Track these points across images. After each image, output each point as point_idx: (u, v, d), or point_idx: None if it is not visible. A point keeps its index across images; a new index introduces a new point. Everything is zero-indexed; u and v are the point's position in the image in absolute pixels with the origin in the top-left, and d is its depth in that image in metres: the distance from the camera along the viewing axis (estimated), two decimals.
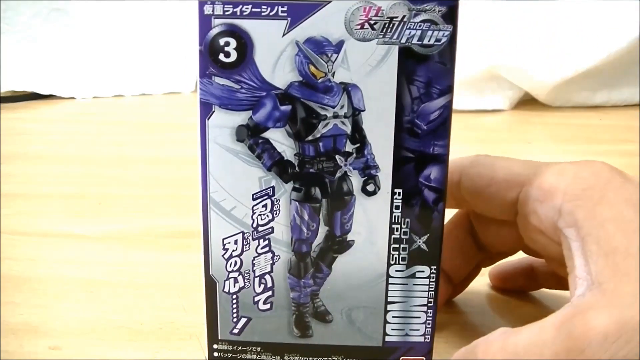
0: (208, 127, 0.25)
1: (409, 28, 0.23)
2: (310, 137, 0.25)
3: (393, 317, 0.27)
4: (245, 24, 0.23)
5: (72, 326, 0.33)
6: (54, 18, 0.79)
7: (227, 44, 0.24)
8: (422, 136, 0.25)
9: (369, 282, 0.26)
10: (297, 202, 0.25)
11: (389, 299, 0.26)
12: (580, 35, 0.74)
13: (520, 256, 0.33)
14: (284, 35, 0.23)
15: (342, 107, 0.24)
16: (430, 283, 0.26)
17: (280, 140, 0.25)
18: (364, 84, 0.24)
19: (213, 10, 0.23)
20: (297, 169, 0.25)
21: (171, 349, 0.31)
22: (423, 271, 0.26)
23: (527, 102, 0.78)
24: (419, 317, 0.27)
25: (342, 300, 0.27)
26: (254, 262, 0.26)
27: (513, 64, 0.74)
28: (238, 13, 0.23)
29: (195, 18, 0.23)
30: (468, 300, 0.35)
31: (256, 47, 0.24)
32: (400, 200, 0.25)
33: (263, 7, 0.23)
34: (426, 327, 0.27)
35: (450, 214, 0.32)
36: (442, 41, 0.24)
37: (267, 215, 0.25)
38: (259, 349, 0.27)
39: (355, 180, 0.25)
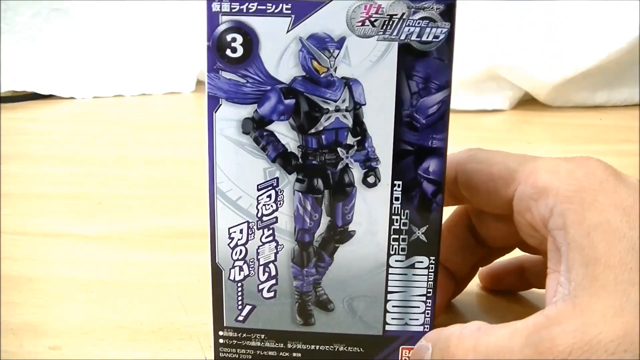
0: (215, 120, 0.25)
1: (408, 25, 0.24)
2: (313, 130, 0.26)
3: (393, 306, 0.27)
4: (251, 21, 0.24)
5: (72, 326, 0.33)
6: (54, 18, 0.79)
7: (234, 39, 0.24)
8: (421, 130, 0.25)
9: (369, 272, 0.27)
10: (300, 193, 0.26)
11: (389, 289, 0.27)
12: (580, 35, 0.74)
13: (510, 256, 0.34)
14: (288, 31, 0.24)
15: (343, 101, 0.25)
16: (429, 273, 0.27)
17: (284, 132, 0.25)
18: (365, 79, 0.25)
19: (220, 8, 0.24)
20: (300, 160, 0.26)
21: (171, 349, 0.31)
22: (422, 262, 0.27)
23: (527, 102, 0.78)
24: (419, 307, 0.27)
25: (343, 289, 0.27)
26: (259, 251, 0.27)
27: (513, 64, 0.75)
28: (244, 10, 0.24)
29: (204, 15, 0.24)
30: (468, 300, 0.36)
31: (261, 43, 0.24)
32: (400, 192, 0.26)
33: (268, 4, 0.24)
34: (425, 317, 0.28)
35: (448, 210, 0.32)
36: (440, 38, 0.24)
37: (272, 206, 0.26)
38: (262, 336, 0.28)
39: (357, 172, 0.26)
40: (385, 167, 0.26)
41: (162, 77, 0.81)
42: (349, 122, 0.25)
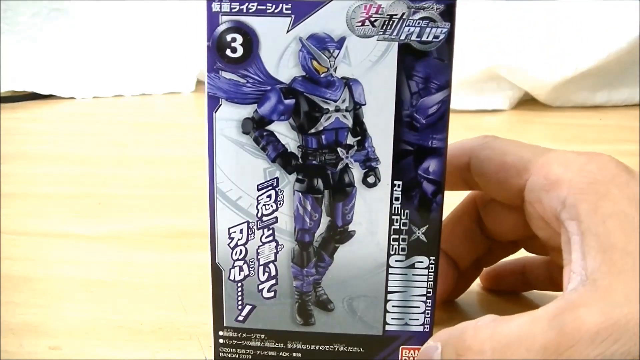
0: (215, 120, 0.25)
1: (408, 25, 0.24)
2: (313, 130, 0.26)
3: (393, 306, 0.27)
4: (251, 21, 0.24)
5: (72, 326, 0.33)
6: (54, 18, 0.79)
7: (234, 39, 0.24)
8: (421, 130, 0.25)
9: (369, 272, 0.27)
10: (300, 193, 0.26)
11: (389, 289, 0.27)
12: (580, 35, 0.74)
13: (514, 257, 0.34)
14: (288, 31, 0.24)
15: (343, 101, 0.25)
16: (430, 273, 0.27)
17: (284, 132, 0.25)
18: (365, 79, 0.25)
19: (220, 8, 0.24)
20: (300, 160, 0.26)
21: (171, 349, 0.31)
22: (422, 262, 0.27)
23: (527, 102, 0.78)
24: (419, 307, 0.27)
25: (343, 289, 0.27)
26: (259, 251, 0.27)
27: (513, 64, 0.75)
28: (244, 10, 0.24)
29: (204, 15, 0.24)
30: (469, 299, 0.36)
31: (261, 43, 0.24)
32: (400, 192, 0.26)
33: (268, 4, 0.24)
34: (425, 317, 0.28)
35: (454, 201, 0.32)
36: (440, 38, 0.24)
37: (272, 206, 0.26)
38: (262, 336, 0.28)
39: (356, 172, 0.26)
40: (385, 167, 0.26)
41: (162, 77, 0.81)
42: (349, 122, 0.25)
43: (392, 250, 0.27)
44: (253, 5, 0.24)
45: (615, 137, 0.68)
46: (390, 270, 0.27)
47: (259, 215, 0.26)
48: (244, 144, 0.26)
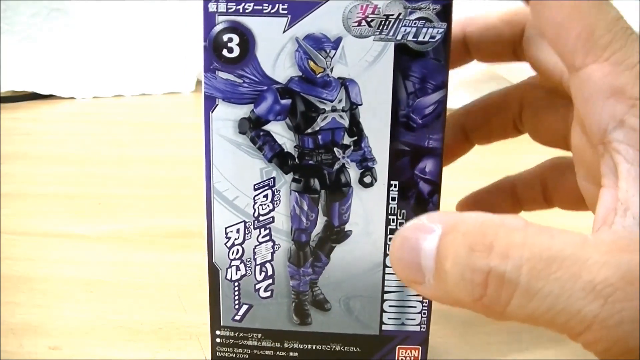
0: (212, 120, 0.25)
1: (405, 25, 0.24)
2: (309, 130, 0.26)
3: (390, 306, 0.28)
4: (248, 21, 0.24)
5: (72, 326, 0.33)
6: (54, 18, 0.79)
7: (230, 40, 0.24)
8: (417, 130, 0.25)
9: (366, 272, 0.27)
10: (296, 193, 0.26)
11: (386, 289, 0.27)
12: None
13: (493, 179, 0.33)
14: (284, 31, 0.24)
15: (340, 101, 0.25)
16: None
17: (281, 132, 0.26)
18: (361, 79, 0.25)
19: (217, 8, 0.24)
20: (296, 160, 0.26)
21: (171, 349, 0.31)
22: None
23: None
24: (415, 307, 0.28)
25: (340, 289, 0.27)
26: (255, 250, 0.27)
27: (513, 64, 0.75)
28: (241, 10, 0.24)
29: (200, 15, 0.24)
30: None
31: (258, 43, 0.24)
32: (396, 192, 0.26)
33: (264, 4, 0.24)
34: (422, 317, 0.28)
35: (454, 201, 0.31)
36: (437, 38, 0.24)
37: (268, 205, 0.26)
38: (259, 335, 0.28)
39: (353, 172, 0.26)
40: (381, 167, 0.26)
41: (162, 77, 0.81)
42: (346, 122, 0.26)
43: (389, 250, 0.27)
44: (249, 6, 0.24)
45: None
46: (387, 270, 0.27)
47: (256, 215, 0.26)
48: (241, 143, 0.26)
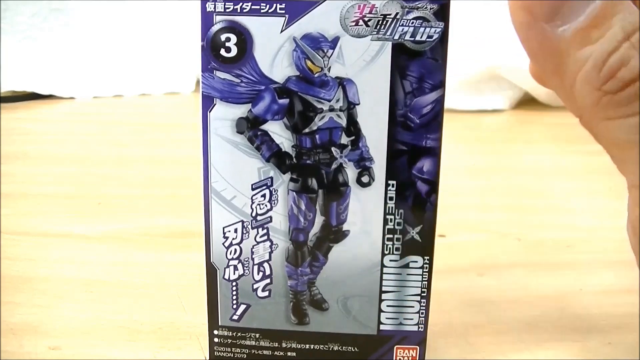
0: (209, 120, 0.25)
1: (402, 25, 0.24)
2: (307, 130, 0.26)
3: (387, 306, 0.28)
4: (245, 21, 0.24)
5: (72, 326, 0.33)
6: (54, 18, 0.79)
7: (228, 39, 0.24)
8: (415, 129, 0.25)
9: (364, 271, 0.27)
10: (294, 193, 0.26)
11: (384, 288, 0.27)
12: None
13: None
14: (282, 31, 0.24)
15: (337, 100, 0.25)
16: (424, 273, 0.27)
17: (279, 132, 0.26)
18: (359, 78, 0.25)
19: (215, 8, 0.24)
20: (294, 160, 0.26)
21: (171, 349, 0.31)
22: (416, 261, 0.27)
23: (527, 102, 0.78)
24: (413, 307, 0.28)
25: (338, 288, 0.27)
26: (253, 250, 0.27)
27: (513, 64, 0.74)
28: (238, 10, 0.24)
29: (198, 15, 0.24)
30: (465, 298, 0.36)
31: (255, 42, 0.24)
32: (394, 192, 0.26)
33: (262, 4, 0.24)
34: (420, 317, 0.28)
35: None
36: (434, 38, 0.24)
37: (266, 205, 0.26)
38: (257, 335, 0.28)
39: (351, 172, 0.26)
40: (379, 167, 0.26)
41: (162, 77, 0.81)
42: (343, 121, 0.26)
43: (387, 250, 0.27)
44: (247, 5, 0.24)
45: None
46: (385, 270, 0.27)
47: (254, 214, 0.26)
48: (238, 143, 0.26)
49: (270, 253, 0.27)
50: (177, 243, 0.42)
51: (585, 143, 0.64)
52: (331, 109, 0.25)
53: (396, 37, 0.24)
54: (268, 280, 0.27)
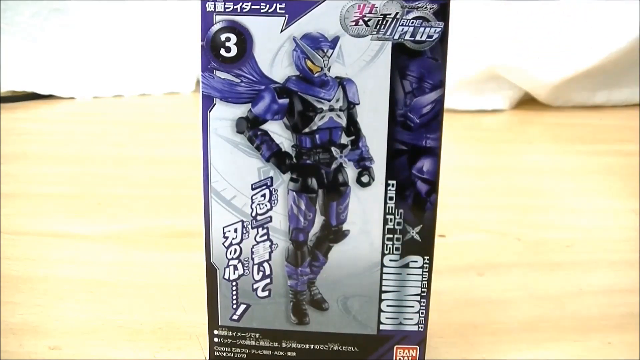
0: (209, 119, 0.25)
1: (402, 25, 0.24)
2: (307, 130, 0.26)
3: (387, 305, 0.28)
4: (245, 21, 0.24)
5: (72, 326, 0.33)
6: (54, 18, 0.79)
7: (228, 39, 0.24)
8: (415, 129, 0.25)
9: (364, 271, 0.27)
10: (294, 193, 0.26)
11: (384, 288, 0.27)
12: (580, 35, 0.74)
13: None
14: (282, 31, 0.24)
15: (337, 100, 0.25)
16: (424, 273, 0.27)
17: (278, 132, 0.26)
18: (359, 78, 0.25)
19: (215, 7, 0.24)
20: (294, 160, 0.26)
21: (171, 349, 0.31)
22: (416, 261, 0.27)
23: (527, 102, 0.78)
24: (413, 307, 0.28)
25: (338, 288, 0.27)
26: (253, 250, 0.27)
27: (513, 64, 0.74)
28: (238, 10, 0.24)
29: (198, 15, 0.24)
30: (465, 298, 0.36)
31: (255, 42, 0.24)
32: (394, 192, 0.26)
33: (262, 4, 0.24)
34: (419, 317, 0.28)
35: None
36: (434, 37, 0.24)
37: (266, 205, 0.26)
38: (257, 335, 0.28)
39: (350, 172, 0.26)
40: (379, 167, 0.26)
41: (162, 77, 0.81)
42: (343, 121, 0.26)
43: (387, 250, 0.27)
44: (247, 5, 0.24)
45: (615, 137, 0.68)
46: (385, 270, 0.27)
47: (254, 214, 0.26)
48: (238, 143, 0.26)
49: (270, 253, 0.27)
50: (177, 243, 0.42)
51: (585, 143, 0.65)
52: (331, 109, 0.25)
53: (396, 36, 0.24)
54: (268, 280, 0.27)
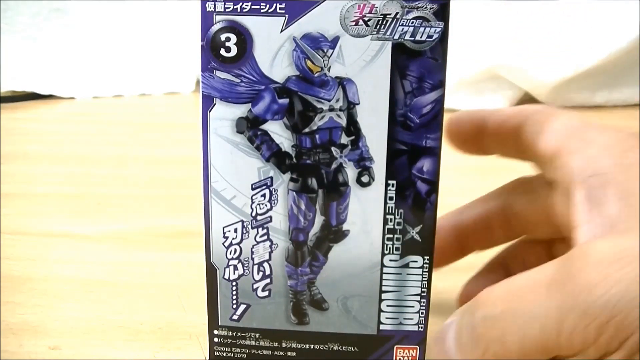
0: (209, 119, 0.25)
1: (402, 25, 0.24)
2: (307, 130, 0.26)
3: (387, 305, 0.28)
4: (245, 20, 0.24)
5: (72, 326, 0.33)
6: (54, 18, 0.79)
7: (228, 39, 0.24)
8: (415, 129, 0.25)
9: (364, 271, 0.27)
10: (294, 193, 0.26)
11: (384, 288, 0.27)
12: (580, 35, 0.74)
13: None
14: (282, 31, 0.24)
15: (337, 100, 0.25)
16: (424, 273, 0.27)
17: (278, 132, 0.26)
18: (359, 78, 0.25)
19: (214, 7, 0.24)
20: (294, 160, 0.26)
21: (171, 349, 0.31)
22: (416, 261, 0.27)
23: (527, 102, 0.78)
24: (413, 307, 0.28)
25: (338, 288, 0.27)
26: (253, 250, 0.27)
27: (513, 64, 0.74)
28: (238, 10, 0.24)
29: (198, 15, 0.24)
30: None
31: (255, 42, 0.24)
32: (394, 192, 0.26)
33: (262, 4, 0.24)
34: (420, 317, 0.28)
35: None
36: (434, 37, 0.24)
37: (266, 205, 0.26)
38: (257, 335, 0.28)
39: (350, 172, 0.26)
40: (379, 167, 0.26)
41: (162, 77, 0.81)
42: (343, 121, 0.26)
43: (387, 250, 0.27)
44: (247, 5, 0.24)
45: None
46: (385, 270, 0.27)
47: (254, 214, 0.26)
48: (238, 143, 0.26)
49: (270, 253, 0.27)
50: (177, 243, 0.42)
51: None
52: (331, 109, 0.25)
53: (396, 36, 0.24)
54: (268, 280, 0.27)
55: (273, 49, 0.25)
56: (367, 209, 0.26)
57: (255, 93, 0.25)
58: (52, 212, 0.48)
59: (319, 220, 0.27)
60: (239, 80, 0.25)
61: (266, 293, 0.27)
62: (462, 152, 0.30)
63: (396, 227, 0.26)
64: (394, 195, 0.26)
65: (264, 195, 0.26)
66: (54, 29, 0.80)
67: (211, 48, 0.25)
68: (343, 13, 0.24)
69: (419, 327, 0.28)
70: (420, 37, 0.24)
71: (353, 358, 0.28)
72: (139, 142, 0.66)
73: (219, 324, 0.28)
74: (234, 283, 0.27)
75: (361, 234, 0.27)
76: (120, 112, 0.77)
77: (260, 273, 0.27)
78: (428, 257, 0.27)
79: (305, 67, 0.25)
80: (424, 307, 0.28)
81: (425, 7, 0.24)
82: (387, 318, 0.28)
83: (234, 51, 0.25)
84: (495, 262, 0.33)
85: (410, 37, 0.24)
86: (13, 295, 0.36)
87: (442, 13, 0.24)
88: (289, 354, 0.28)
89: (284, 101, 0.25)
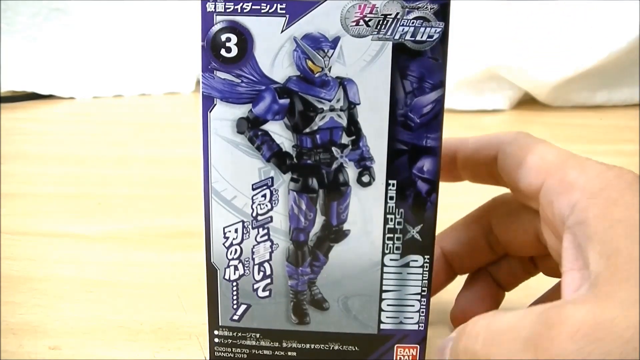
0: (210, 120, 0.25)
1: (402, 25, 0.24)
2: (307, 130, 0.26)
3: (388, 305, 0.28)
4: (246, 21, 0.24)
5: (72, 326, 0.33)
6: (54, 18, 0.79)
7: (228, 39, 0.24)
8: (415, 129, 0.25)
9: (364, 271, 0.27)
10: (295, 193, 0.26)
11: (384, 287, 0.27)
12: (580, 35, 0.74)
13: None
14: (282, 31, 0.24)
15: (338, 100, 0.25)
16: (424, 272, 0.27)
17: (279, 132, 0.26)
18: (359, 78, 0.25)
19: (215, 8, 0.24)
20: (295, 160, 0.26)
21: (171, 349, 0.31)
22: (417, 260, 0.27)
23: (527, 102, 0.78)
24: (413, 306, 0.28)
25: (338, 288, 0.27)
26: (254, 250, 0.27)
27: (513, 64, 0.74)
28: (239, 10, 0.24)
29: (198, 15, 0.24)
30: None
31: (256, 42, 0.25)
32: (395, 191, 0.26)
33: (262, 4, 0.24)
34: (420, 316, 0.28)
35: (450, 201, 0.32)
36: (434, 37, 0.24)
37: (266, 205, 0.26)
38: (258, 335, 0.28)
39: (351, 172, 0.26)
40: (379, 167, 0.26)
41: (162, 77, 0.81)
42: (344, 121, 0.26)
43: (387, 249, 0.27)
44: (247, 5, 0.24)
45: (615, 137, 0.68)
46: (385, 269, 0.27)
47: (254, 214, 0.26)
48: (239, 143, 0.26)
49: (270, 253, 0.27)
50: (177, 243, 0.42)
51: (585, 143, 0.65)
52: (332, 109, 0.25)
53: (397, 37, 0.24)
54: (268, 280, 0.27)
55: (274, 49, 0.25)
56: (367, 208, 0.26)
57: (256, 93, 0.25)
58: (52, 212, 0.48)
59: (319, 220, 0.27)
60: (240, 81, 0.25)
61: (267, 293, 0.27)
62: None
63: (396, 226, 0.26)
64: (394, 195, 0.26)
65: (264, 196, 0.26)
66: (54, 29, 0.80)
67: (211, 48, 0.25)
68: (344, 13, 0.24)
69: (419, 326, 0.28)
70: (421, 37, 0.24)
71: (354, 357, 0.28)
72: (139, 142, 0.66)
73: (220, 324, 0.28)
74: (234, 283, 0.27)
75: (362, 234, 0.27)
76: (120, 112, 0.77)
77: (261, 273, 0.27)
78: (428, 256, 0.27)
79: (306, 68, 0.25)
80: (424, 306, 0.28)
81: (426, 8, 0.24)
82: (387, 317, 0.28)
83: (234, 51, 0.25)
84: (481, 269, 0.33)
85: (411, 37, 0.24)
86: (13, 295, 0.36)
87: (443, 13, 0.24)
88: (289, 353, 0.28)
89: (285, 101, 0.25)
